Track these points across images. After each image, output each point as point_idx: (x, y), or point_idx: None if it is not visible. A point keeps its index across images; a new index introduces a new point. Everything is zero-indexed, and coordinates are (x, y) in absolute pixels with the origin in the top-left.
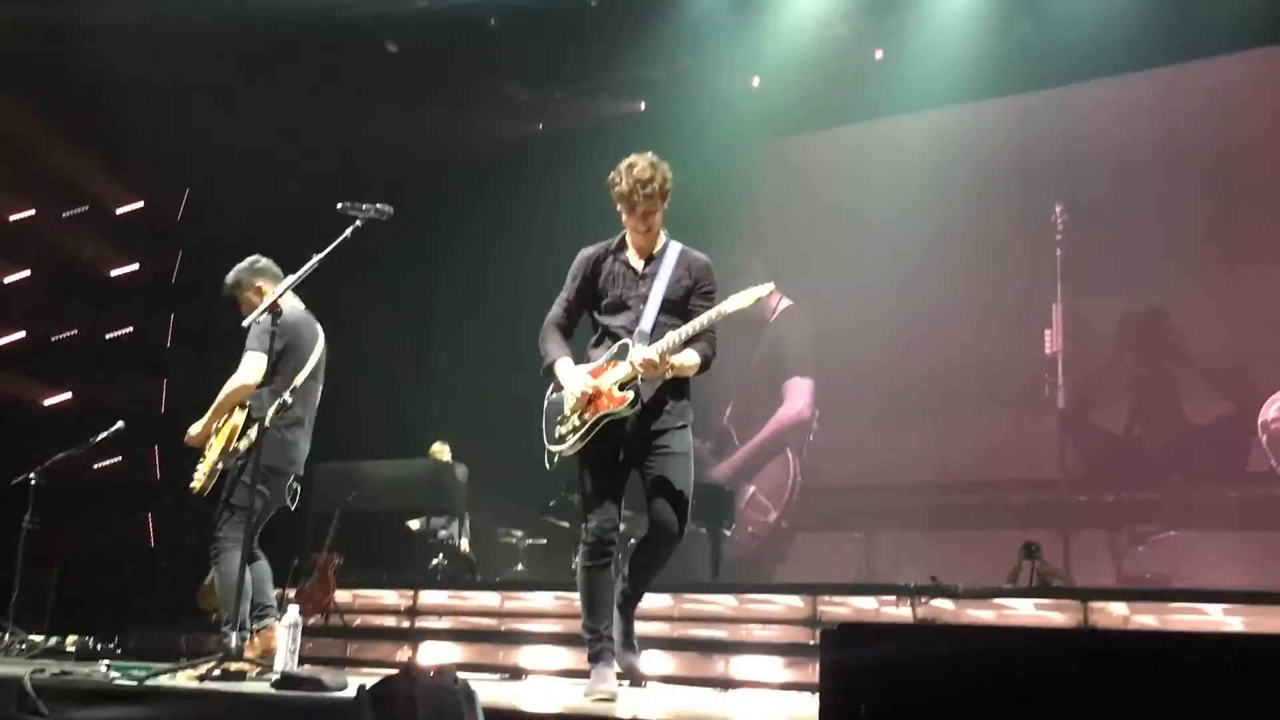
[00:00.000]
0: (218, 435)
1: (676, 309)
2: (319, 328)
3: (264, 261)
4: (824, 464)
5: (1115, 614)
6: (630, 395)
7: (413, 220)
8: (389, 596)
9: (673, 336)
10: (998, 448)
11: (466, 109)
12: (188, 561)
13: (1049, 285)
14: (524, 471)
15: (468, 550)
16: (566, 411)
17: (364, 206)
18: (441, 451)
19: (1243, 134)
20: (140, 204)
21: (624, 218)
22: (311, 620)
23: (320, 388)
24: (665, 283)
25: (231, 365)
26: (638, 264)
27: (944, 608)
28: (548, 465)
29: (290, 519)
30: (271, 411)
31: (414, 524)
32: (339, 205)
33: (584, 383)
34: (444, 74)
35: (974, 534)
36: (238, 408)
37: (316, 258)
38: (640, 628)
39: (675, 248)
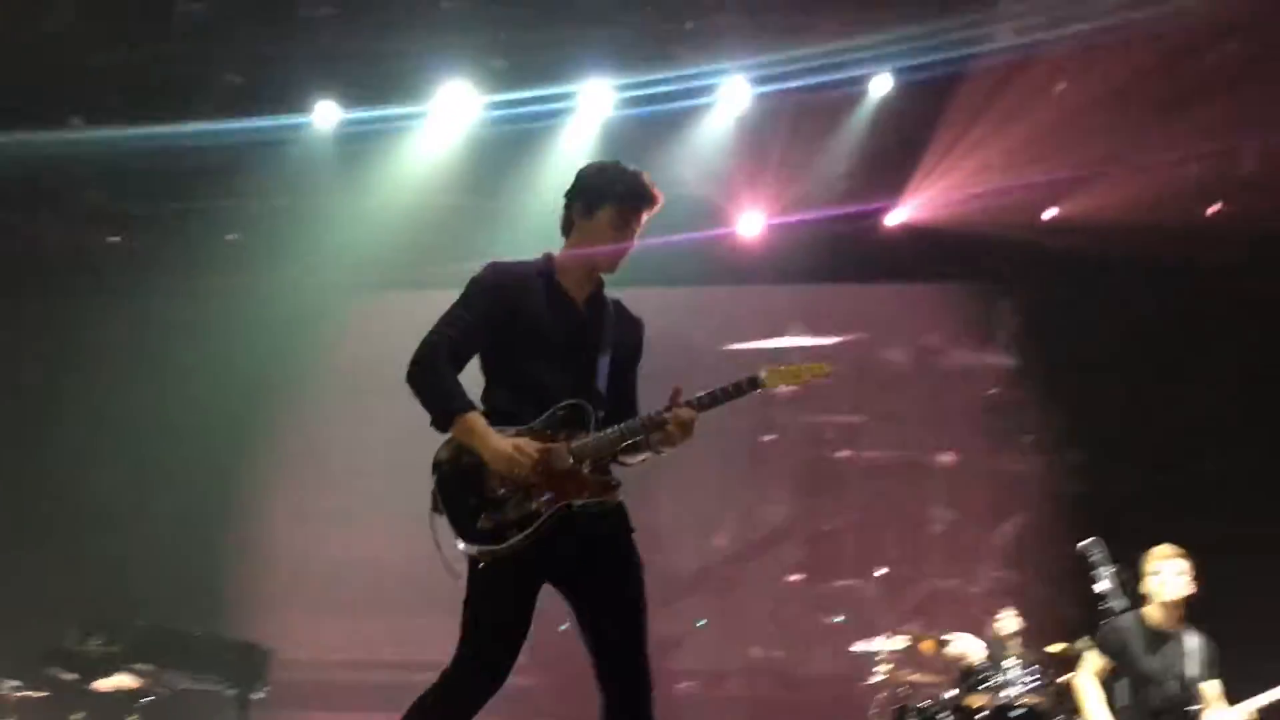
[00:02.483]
0: None
1: (616, 374)
2: None
3: None
4: None
5: None
6: (617, 481)
7: None
8: None
9: (701, 396)
10: None
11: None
12: None
13: None
14: (24, 610)
15: None
16: (495, 488)
17: None
18: None
19: None
20: None
21: (578, 237)
22: None
23: None
24: (614, 335)
25: None
26: (578, 300)
27: None
28: (463, 571)
29: None
30: None
31: None
32: None
33: (530, 454)
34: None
35: None
36: None
37: None
38: None
39: (608, 294)
